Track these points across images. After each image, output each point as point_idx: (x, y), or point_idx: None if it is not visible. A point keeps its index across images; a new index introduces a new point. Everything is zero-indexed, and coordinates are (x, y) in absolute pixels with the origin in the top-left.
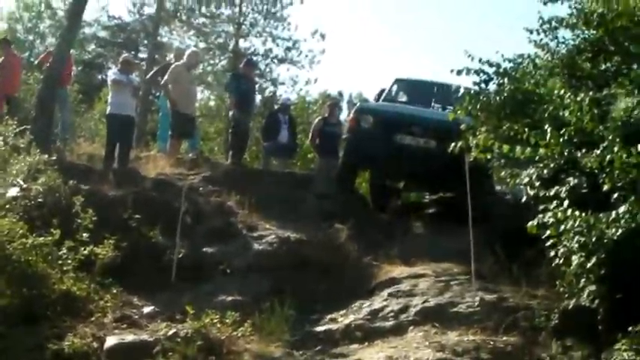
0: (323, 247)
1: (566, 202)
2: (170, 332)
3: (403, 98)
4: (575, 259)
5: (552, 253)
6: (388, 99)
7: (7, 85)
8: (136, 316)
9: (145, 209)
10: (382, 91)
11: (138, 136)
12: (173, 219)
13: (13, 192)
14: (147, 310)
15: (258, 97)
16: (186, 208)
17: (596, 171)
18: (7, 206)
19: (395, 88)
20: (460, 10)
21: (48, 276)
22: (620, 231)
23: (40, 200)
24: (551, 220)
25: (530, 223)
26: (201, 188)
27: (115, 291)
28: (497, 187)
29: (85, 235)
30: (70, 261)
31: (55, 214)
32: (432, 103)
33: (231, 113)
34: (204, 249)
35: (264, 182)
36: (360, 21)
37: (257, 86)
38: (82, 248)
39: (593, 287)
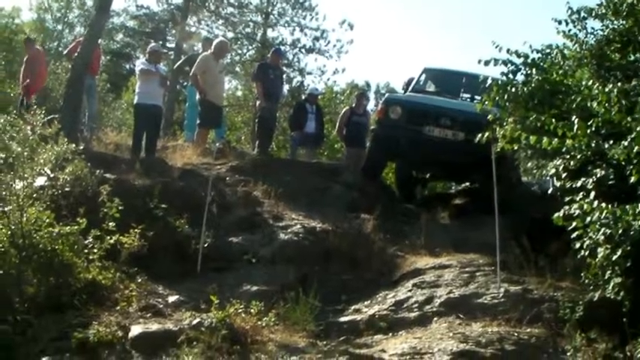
0: (349, 238)
1: (592, 194)
2: (195, 321)
3: (432, 88)
4: (600, 251)
5: (578, 245)
6: (417, 89)
7: (35, 79)
8: (161, 306)
9: (171, 199)
10: (410, 80)
11: (165, 126)
12: (199, 208)
13: (40, 181)
14: (172, 299)
15: (285, 87)
16: (212, 198)
17: (623, 163)
18: (35, 195)
19: (423, 77)
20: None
21: (74, 265)
22: None
23: (67, 189)
24: (578, 211)
25: (556, 215)
26: (227, 178)
27: (140, 280)
28: (524, 178)
29: (111, 224)
30: (96, 250)
31: (82, 204)
32: (461, 94)
33: (258, 103)
34: (230, 239)
35: (290, 172)
36: (388, 11)
37: (284, 76)
38: (108, 237)
39: (618, 279)
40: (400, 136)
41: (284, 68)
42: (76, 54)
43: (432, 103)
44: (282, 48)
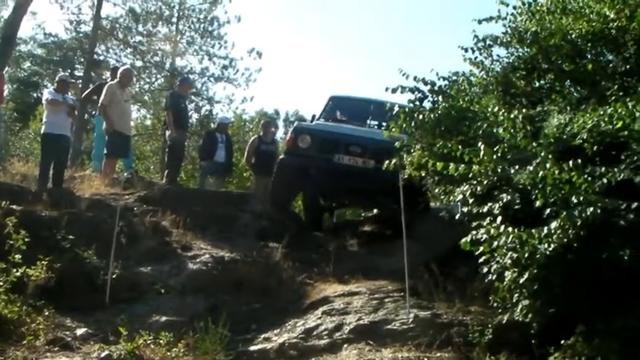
0: (258, 267)
1: (499, 219)
2: (103, 354)
3: (339, 116)
4: (508, 275)
5: (486, 269)
6: (324, 117)
7: None
8: (69, 339)
9: (79, 230)
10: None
11: (73, 156)
12: (108, 239)
13: None
14: (80, 332)
15: (194, 116)
16: (120, 229)
17: (528, 187)
18: None
19: (330, 105)
20: (398, 28)
21: None
22: (552, 246)
23: None
24: (485, 236)
25: (463, 240)
26: (135, 208)
27: (47, 313)
28: (432, 204)
29: (17, 256)
30: (1, 283)
31: None
32: (368, 121)
33: (168, 132)
34: (139, 269)
35: (199, 201)
36: (296, 39)
37: (193, 105)
38: (15, 270)
39: (526, 302)
40: (310, 165)
41: (192, 97)
42: None
43: (342, 132)
44: (191, 77)
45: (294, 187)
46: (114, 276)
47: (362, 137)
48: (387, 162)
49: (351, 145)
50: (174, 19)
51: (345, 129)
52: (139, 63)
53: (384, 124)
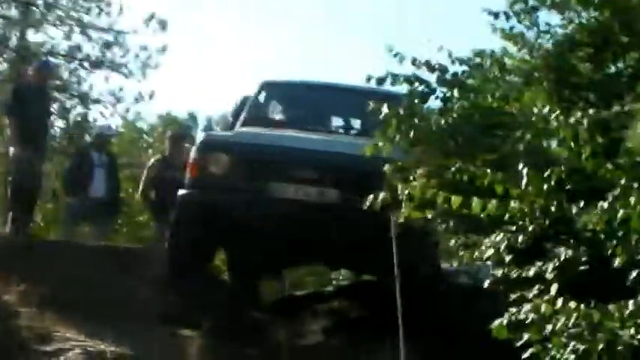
0: None
1: (554, 287)
2: None
3: (277, 115)
4: None
5: None
6: (253, 117)
7: None
8: None
9: None
10: (243, 103)
11: None
12: None
13: None
14: None
15: (58, 123)
16: None
17: (601, 236)
18: None
19: (263, 97)
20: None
21: None
22: None
23: None
24: (532, 315)
25: (497, 322)
26: None
27: None
28: (445, 265)
29: None
30: None
31: None
32: (329, 122)
33: (11, 151)
34: None
35: (66, 262)
36: (224, 14)
37: (56, 106)
38: None
39: None
40: (229, 203)
41: (55, 93)
42: None
43: (282, 143)
44: (52, 60)
45: (205, 241)
46: None
47: (317, 151)
48: (367, 195)
49: (297, 166)
50: None
51: (287, 138)
52: None
53: (355, 123)
